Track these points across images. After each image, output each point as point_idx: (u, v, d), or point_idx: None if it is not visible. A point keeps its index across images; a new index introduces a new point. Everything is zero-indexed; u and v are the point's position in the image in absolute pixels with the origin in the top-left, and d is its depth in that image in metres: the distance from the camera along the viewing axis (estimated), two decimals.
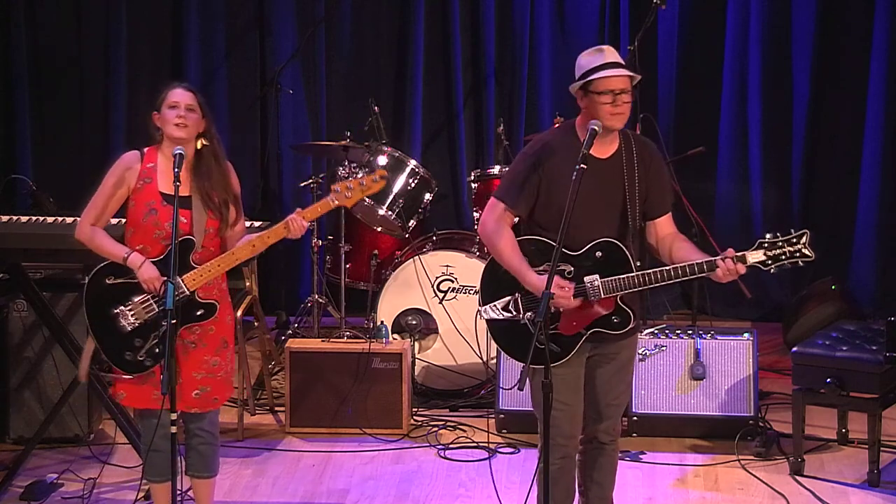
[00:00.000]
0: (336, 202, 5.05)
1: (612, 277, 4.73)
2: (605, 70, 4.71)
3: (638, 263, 4.75)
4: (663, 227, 4.87)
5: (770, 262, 4.64)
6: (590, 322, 4.79)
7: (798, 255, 4.63)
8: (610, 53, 4.76)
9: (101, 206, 5.08)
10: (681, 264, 4.71)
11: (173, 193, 4.91)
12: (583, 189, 4.61)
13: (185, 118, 5.01)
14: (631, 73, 4.74)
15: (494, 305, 4.88)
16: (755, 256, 4.65)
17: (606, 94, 4.70)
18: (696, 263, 4.67)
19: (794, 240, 4.63)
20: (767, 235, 4.66)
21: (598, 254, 4.76)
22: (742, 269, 4.65)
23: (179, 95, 5.03)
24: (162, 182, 5.05)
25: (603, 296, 4.74)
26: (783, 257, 4.64)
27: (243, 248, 5.03)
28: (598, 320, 4.79)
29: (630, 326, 4.80)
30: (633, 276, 4.71)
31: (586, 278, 4.74)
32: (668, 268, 4.71)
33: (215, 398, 5.15)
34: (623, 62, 4.76)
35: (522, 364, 4.69)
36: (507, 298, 4.86)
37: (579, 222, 4.68)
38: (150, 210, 5.02)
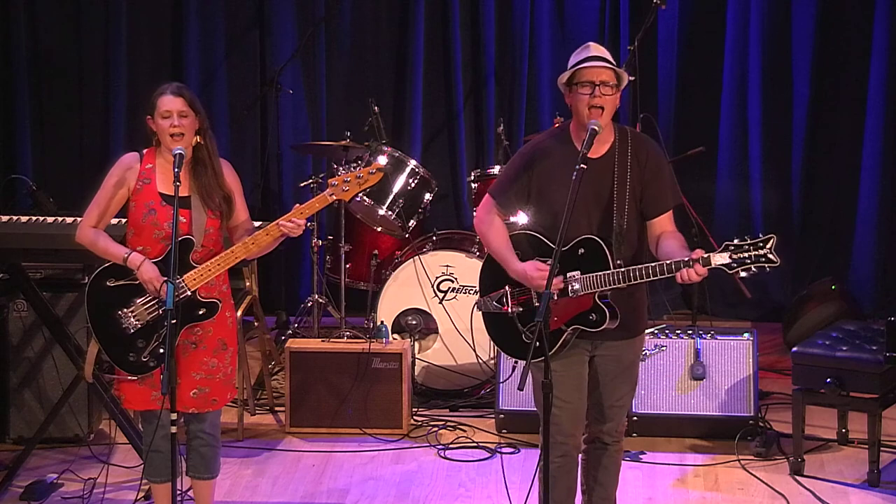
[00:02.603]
0: (333, 196, 5.05)
1: (589, 274, 4.75)
2: (587, 62, 4.75)
3: (619, 262, 4.74)
4: (660, 226, 4.87)
5: (735, 264, 4.61)
6: (569, 318, 4.81)
7: (764, 259, 4.60)
8: (595, 48, 4.81)
9: (101, 208, 5.07)
10: (652, 264, 4.72)
11: (173, 194, 4.90)
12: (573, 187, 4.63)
13: (180, 126, 4.98)
14: (613, 67, 4.76)
15: (489, 298, 4.92)
16: (720, 258, 4.63)
17: (586, 84, 4.74)
18: (665, 263, 4.67)
19: (761, 244, 4.60)
20: (735, 239, 4.65)
21: (581, 251, 4.77)
22: (702, 270, 4.61)
23: (170, 103, 4.99)
24: (160, 182, 5.04)
25: (581, 292, 4.76)
26: (748, 261, 4.60)
27: (239, 246, 5.02)
28: (577, 317, 4.80)
29: (605, 325, 4.78)
30: (608, 274, 4.73)
31: (568, 274, 4.76)
32: (639, 267, 4.71)
33: (214, 399, 5.14)
34: (611, 60, 4.78)
35: (517, 360, 4.72)
36: (500, 291, 4.89)
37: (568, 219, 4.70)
38: (148, 210, 5.02)
